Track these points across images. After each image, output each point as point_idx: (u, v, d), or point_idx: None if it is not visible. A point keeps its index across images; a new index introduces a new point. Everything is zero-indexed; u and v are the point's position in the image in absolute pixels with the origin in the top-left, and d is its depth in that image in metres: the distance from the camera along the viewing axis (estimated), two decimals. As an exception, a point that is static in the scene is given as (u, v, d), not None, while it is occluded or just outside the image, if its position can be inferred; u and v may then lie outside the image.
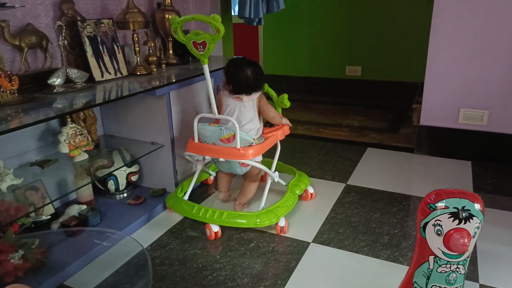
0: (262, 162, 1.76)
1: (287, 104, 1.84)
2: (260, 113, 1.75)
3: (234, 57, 1.81)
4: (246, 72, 1.68)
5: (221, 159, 1.66)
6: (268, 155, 1.88)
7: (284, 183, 1.85)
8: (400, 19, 3.49)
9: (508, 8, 2.05)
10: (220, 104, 1.74)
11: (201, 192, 2.03)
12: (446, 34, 2.20)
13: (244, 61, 1.73)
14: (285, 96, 1.84)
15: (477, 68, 2.19)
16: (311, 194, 1.93)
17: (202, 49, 1.57)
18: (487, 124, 2.25)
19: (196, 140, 1.70)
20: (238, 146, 1.61)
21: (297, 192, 1.83)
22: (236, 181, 1.96)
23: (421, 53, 2.40)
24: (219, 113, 1.71)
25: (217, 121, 1.77)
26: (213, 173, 2.08)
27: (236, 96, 1.70)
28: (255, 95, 1.72)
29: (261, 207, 1.69)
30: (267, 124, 1.85)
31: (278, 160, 1.90)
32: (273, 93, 1.89)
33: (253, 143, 1.65)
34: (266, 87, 1.86)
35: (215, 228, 1.63)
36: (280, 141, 1.86)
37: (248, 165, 1.72)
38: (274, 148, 1.85)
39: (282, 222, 1.65)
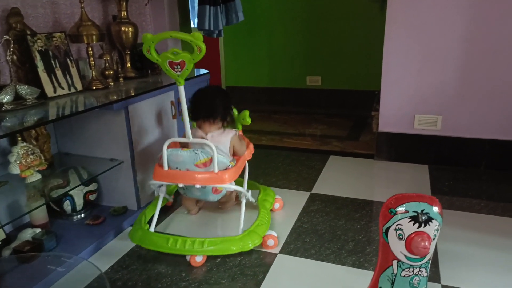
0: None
1: (249, 121, 1.80)
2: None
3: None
4: (204, 97, 1.64)
5: (197, 186, 1.55)
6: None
7: (254, 200, 1.81)
8: (356, 30, 3.61)
9: (455, 17, 2.16)
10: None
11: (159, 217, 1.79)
12: (399, 43, 2.30)
13: (204, 89, 1.70)
14: (246, 113, 1.79)
15: (429, 75, 2.29)
16: (277, 208, 1.93)
17: (180, 69, 1.47)
18: (441, 128, 2.35)
19: (166, 167, 1.57)
20: (216, 170, 1.53)
21: (268, 206, 1.80)
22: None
23: (378, 62, 2.48)
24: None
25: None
26: (171, 198, 1.96)
27: (198, 127, 1.65)
28: (229, 133, 1.67)
29: (240, 229, 1.61)
30: None
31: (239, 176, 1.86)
32: (234, 110, 1.83)
33: (229, 165, 1.59)
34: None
35: (199, 259, 1.52)
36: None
37: (221, 191, 1.67)
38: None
39: (271, 242, 1.61)
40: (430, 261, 0.93)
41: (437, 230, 0.87)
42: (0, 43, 1.64)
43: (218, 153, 1.55)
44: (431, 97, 2.32)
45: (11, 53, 1.56)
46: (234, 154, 1.72)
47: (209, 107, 1.63)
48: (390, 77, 2.37)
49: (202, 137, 1.64)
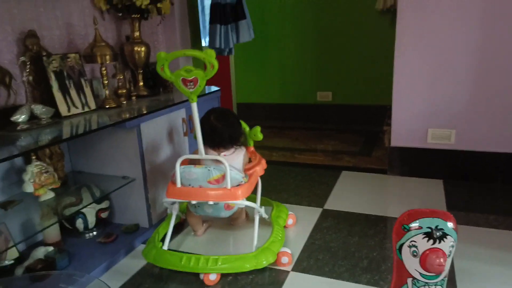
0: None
1: (260, 136, 1.79)
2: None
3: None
4: (212, 131, 1.62)
5: (210, 202, 1.55)
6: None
7: (267, 217, 1.78)
8: (367, 44, 3.62)
9: (467, 30, 2.15)
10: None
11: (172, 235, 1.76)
12: (409, 57, 2.29)
13: (211, 120, 1.65)
14: (258, 128, 1.79)
15: (441, 88, 2.27)
16: (291, 224, 1.91)
17: (193, 87, 1.48)
18: (455, 142, 2.31)
19: (179, 185, 1.57)
20: (229, 187, 1.52)
21: (281, 223, 1.78)
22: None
23: (388, 77, 2.47)
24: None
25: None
26: (183, 215, 1.92)
27: (214, 150, 1.66)
28: (241, 152, 1.69)
29: (254, 246, 1.59)
30: None
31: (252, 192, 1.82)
32: (245, 126, 1.84)
33: (242, 181, 1.58)
34: (243, 124, 1.81)
35: (212, 277, 1.51)
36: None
37: (233, 207, 1.67)
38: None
39: (285, 260, 1.59)
40: (447, 278, 0.90)
41: (452, 246, 0.85)
42: (17, 65, 1.69)
43: (230, 169, 1.55)
44: (444, 110, 2.30)
45: (27, 74, 1.61)
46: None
47: (218, 141, 1.65)
48: (402, 91, 2.36)
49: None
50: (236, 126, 1.70)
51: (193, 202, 1.57)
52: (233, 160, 1.65)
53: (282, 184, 2.43)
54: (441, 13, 2.18)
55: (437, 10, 2.18)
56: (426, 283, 0.88)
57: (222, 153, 1.65)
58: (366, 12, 3.54)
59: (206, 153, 1.61)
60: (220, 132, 1.64)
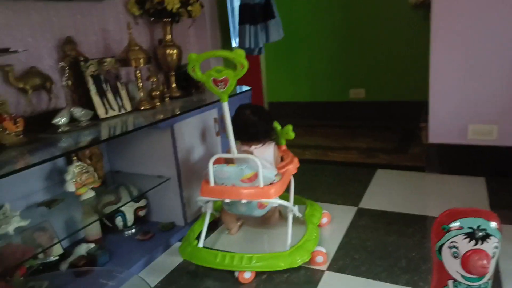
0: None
1: (292, 135, 1.79)
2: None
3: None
4: (244, 125, 1.66)
5: (243, 201, 1.55)
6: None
7: (301, 215, 1.76)
8: (400, 39, 3.52)
9: (505, 20, 2.05)
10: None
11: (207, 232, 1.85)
12: (446, 51, 2.20)
13: (243, 115, 1.70)
14: (290, 127, 1.79)
15: (481, 82, 2.17)
16: (325, 223, 1.89)
17: (224, 86, 1.49)
18: (497, 138, 2.20)
19: (212, 183, 1.60)
20: (261, 185, 1.53)
21: (315, 222, 1.77)
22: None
23: (424, 71, 2.39)
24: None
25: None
26: (218, 213, 1.92)
27: (245, 144, 1.69)
28: (271, 144, 1.71)
29: (288, 245, 1.59)
30: None
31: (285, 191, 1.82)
32: (277, 125, 1.84)
33: (274, 180, 1.58)
34: (275, 123, 1.82)
35: (247, 275, 1.52)
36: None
37: (266, 206, 1.67)
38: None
39: (320, 259, 1.58)
40: (491, 281, 0.86)
41: (497, 247, 0.80)
42: (57, 70, 1.77)
43: (263, 167, 1.55)
44: (485, 105, 2.19)
45: (66, 78, 1.68)
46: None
47: (252, 133, 1.68)
48: (439, 86, 2.27)
49: (247, 151, 1.66)
50: (269, 121, 1.74)
51: (227, 200, 1.59)
52: (264, 153, 1.67)
53: (315, 182, 2.41)
54: (478, 4, 2.08)
55: (473, 0, 2.08)
56: (469, 285, 0.84)
57: (253, 146, 1.67)
58: (398, 6, 3.44)
59: (237, 149, 1.62)
60: (254, 125, 1.67)
